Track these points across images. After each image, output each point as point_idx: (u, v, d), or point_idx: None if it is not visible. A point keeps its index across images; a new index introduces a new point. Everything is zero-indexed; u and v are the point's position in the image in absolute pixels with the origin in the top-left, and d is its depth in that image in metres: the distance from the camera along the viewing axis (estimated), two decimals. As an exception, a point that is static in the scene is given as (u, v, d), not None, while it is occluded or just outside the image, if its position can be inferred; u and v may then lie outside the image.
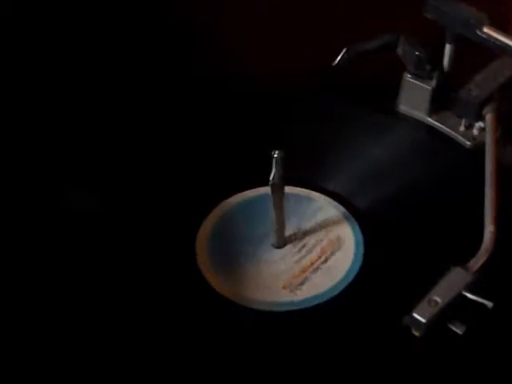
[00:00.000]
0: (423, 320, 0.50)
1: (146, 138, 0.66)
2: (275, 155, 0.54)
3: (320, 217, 0.61)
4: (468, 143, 0.65)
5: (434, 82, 0.66)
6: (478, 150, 0.63)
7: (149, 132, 0.66)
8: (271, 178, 0.55)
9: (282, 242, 0.59)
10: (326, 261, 0.58)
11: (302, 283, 0.56)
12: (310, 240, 0.59)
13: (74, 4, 0.71)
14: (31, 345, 0.51)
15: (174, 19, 0.75)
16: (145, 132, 0.66)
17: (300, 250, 0.59)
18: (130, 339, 0.52)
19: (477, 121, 0.64)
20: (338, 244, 0.59)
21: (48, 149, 0.64)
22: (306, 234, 0.60)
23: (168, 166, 0.64)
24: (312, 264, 0.58)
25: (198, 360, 0.51)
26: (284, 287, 0.56)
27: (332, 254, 0.58)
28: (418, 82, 0.66)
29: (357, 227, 0.60)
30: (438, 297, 0.51)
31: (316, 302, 0.55)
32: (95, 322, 0.53)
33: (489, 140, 0.62)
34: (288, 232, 0.59)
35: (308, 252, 0.58)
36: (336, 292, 0.56)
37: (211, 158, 0.65)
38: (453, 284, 0.51)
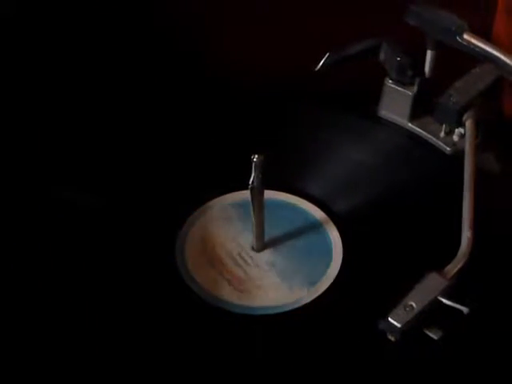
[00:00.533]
0: (398, 325, 0.50)
1: (128, 140, 0.66)
2: (255, 159, 0.54)
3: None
4: (448, 149, 0.65)
5: (415, 88, 0.66)
6: (458, 155, 0.63)
7: (131, 134, 0.66)
8: (250, 182, 0.55)
9: (261, 246, 0.59)
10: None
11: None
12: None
13: (73, 3, 0.72)
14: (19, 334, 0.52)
15: (163, 21, 0.75)
16: (126, 134, 0.66)
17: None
18: (110, 339, 0.53)
19: (457, 127, 0.64)
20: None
21: (41, 146, 0.64)
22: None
23: (149, 168, 0.64)
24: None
25: (174, 361, 0.52)
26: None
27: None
28: (399, 88, 0.67)
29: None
30: (414, 302, 0.51)
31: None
32: (79, 316, 0.54)
33: (468, 146, 0.62)
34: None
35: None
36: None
37: (192, 161, 0.65)
38: (429, 289, 0.52)
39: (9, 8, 0.70)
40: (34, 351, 0.51)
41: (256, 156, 0.54)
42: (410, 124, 0.67)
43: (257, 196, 0.56)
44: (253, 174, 0.55)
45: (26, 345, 0.51)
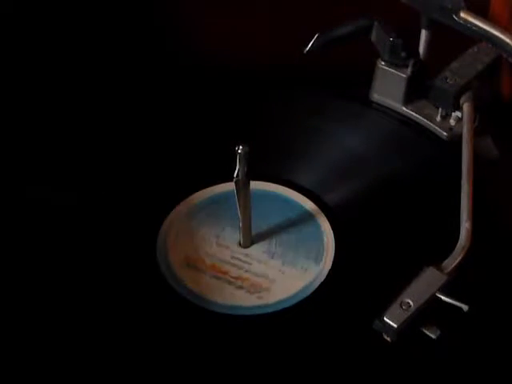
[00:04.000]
0: (394, 325, 0.48)
1: (109, 132, 0.64)
2: (239, 150, 0.52)
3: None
4: (445, 134, 0.63)
5: (409, 70, 0.64)
6: (455, 141, 0.61)
7: (112, 125, 0.64)
8: (235, 174, 0.53)
9: (248, 241, 0.56)
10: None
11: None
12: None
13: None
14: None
15: (147, 8, 0.73)
16: (108, 125, 0.64)
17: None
18: (89, 338, 0.51)
19: (453, 110, 0.63)
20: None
21: (16, 144, 0.62)
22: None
23: (129, 162, 0.62)
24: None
25: (158, 360, 0.50)
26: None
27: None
28: (392, 70, 0.65)
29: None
30: (411, 299, 0.49)
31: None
32: (58, 316, 0.52)
33: (466, 131, 0.60)
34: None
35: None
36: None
37: (173, 154, 0.62)
38: (426, 285, 0.50)
39: (7, 7, 0.70)
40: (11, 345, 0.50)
41: (241, 147, 0.51)
42: (404, 108, 0.65)
43: (242, 189, 0.54)
44: (237, 166, 0.53)
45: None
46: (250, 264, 0.55)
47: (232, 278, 0.54)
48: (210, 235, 0.57)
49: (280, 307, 0.53)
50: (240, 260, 0.56)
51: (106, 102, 0.65)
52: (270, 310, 0.52)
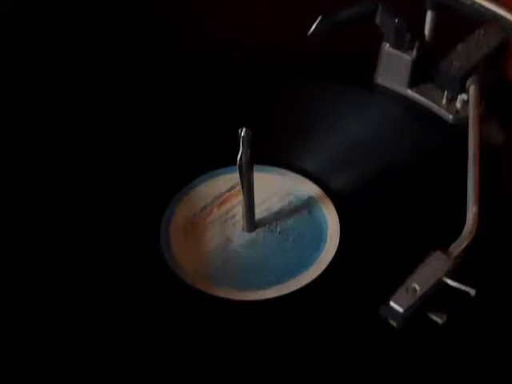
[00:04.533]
0: (401, 310, 0.48)
1: (109, 118, 0.63)
2: (242, 134, 0.51)
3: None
4: (450, 117, 0.63)
5: (414, 53, 0.63)
6: (461, 124, 0.60)
7: (112, 112, 0.63)
8: (238, 158, 0.52)
9: (252, 226, 0.56)
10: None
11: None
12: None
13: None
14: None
15: None
16: (107, 112, 0.63)
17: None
18: (91, 327, 0.50)
19: (460, 93, 0.62)
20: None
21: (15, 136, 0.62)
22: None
23: (132, 147, 0.61)
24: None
25: (161, 348, 0.49)
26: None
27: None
28: (397, 53, 0.64)
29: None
30: (417, 284, 0.49)
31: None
32: (60, 306, 0.51)
33: (472, 114, 0.59)
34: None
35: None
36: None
37: (176, 138, 0.61)
38: (433, 270, 0.49)
39: (8, 8, 0.69)
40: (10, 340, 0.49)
41: (244, 130, 0.51)
42: (409, 91, 0.64)
43: (245, 173, 0.53)
44: (241, 150, 0.52)
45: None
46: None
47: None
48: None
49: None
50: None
51: (106, 91, 0.64)
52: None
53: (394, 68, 0.64)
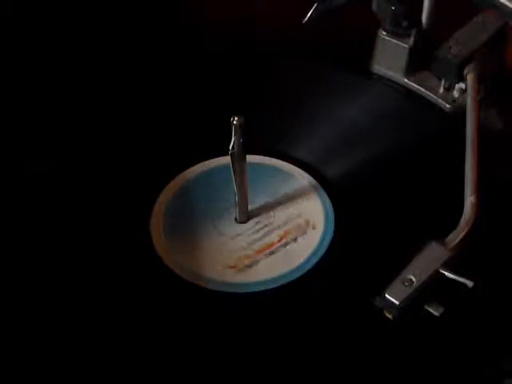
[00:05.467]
0: (396, 301, 0.47)
1: (100, 105, 0.62)
2: (234, 122, 0.50)
3: (287, 188, 0.57)
4: (448, 106, 0.62)
5: (411, 40, 0.63)
6: (459, 113, 0.60)
7: (103, 99, 0.63)
8: (230, 146, 0.51)
9: (244, 217, 0.55)
10: (293, 236, 0.54)
11: (267, 261, 0.52)
12: (276, 214, 0.56)
13: None
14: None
15: None
16: (99, 102, 0.63)
17: (265, 224, 0.55)
18: (80, 318, 0.50)
19: (457, 82, 0.61)
20: (306, 217, 0.55)
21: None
22: (272, 206, 0.56)
23: (123, 134, 0.60)
24: (279, 240, 0.54)
25: (147, 337, 0.49)
26: (245, 265, 0.52)
27: (300, 228, 0.54)
28: (394, 40, 0.63)
29: (327, 199, 0.56)
30: (413, 275, 0.48)
31: (282, 281, 0.51)
32: (49, 294, 0.51)
33: (470, 102, 0.59)
34: (252, 205, 0.55)
35: (273, 227, 0.55)
36: (304, 271, 0.52)
37: (167, 125, 0.61)
38: (429, 261, 0.48)
39: (7, 8, 0.69)
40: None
41: (236, 118, 0.50)
42: (406, 79, 0.64)
43: (238, 162, 0.52)
44: (233, 138, 0.51)
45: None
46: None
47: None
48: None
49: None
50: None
51: (99, 82, 0.64)
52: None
53: (390, 56, 0.64)
